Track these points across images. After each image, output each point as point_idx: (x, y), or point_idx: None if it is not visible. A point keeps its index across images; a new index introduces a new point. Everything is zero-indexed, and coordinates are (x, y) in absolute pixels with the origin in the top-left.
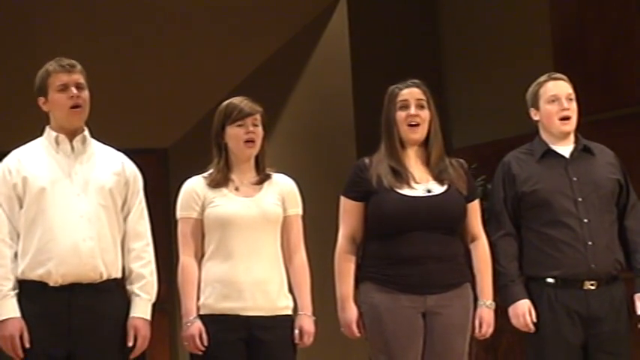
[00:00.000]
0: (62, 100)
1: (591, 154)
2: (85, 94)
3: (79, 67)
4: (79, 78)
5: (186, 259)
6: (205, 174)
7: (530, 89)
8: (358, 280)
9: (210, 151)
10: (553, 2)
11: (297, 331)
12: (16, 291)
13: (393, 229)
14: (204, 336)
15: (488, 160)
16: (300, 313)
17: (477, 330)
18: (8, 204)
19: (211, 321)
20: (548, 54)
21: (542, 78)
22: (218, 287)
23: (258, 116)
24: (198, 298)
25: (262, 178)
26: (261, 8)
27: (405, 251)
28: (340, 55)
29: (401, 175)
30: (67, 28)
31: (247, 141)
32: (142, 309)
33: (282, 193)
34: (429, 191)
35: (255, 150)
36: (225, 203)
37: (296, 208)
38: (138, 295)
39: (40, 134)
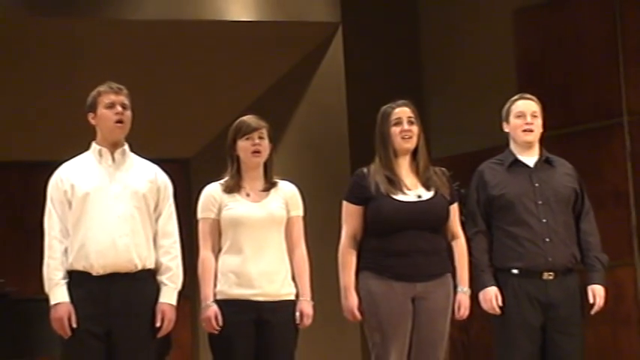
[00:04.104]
0: (108, 115)
1: (552, 166)
2: (128, 113)
3: (125, 90)
4: (124, 99)
5: (205, 253)
6: (221, 181)
7: (505, 106)
8: (358, 270)
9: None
10: (518, 38)
11: (298, 314)
12: (67, 280)
13: (388, 229)
14: (220, 317)
15: (462, 169)
16: (301, 298)
17: (456, 312)
18: (60, 207)
19: (226, 305)
20: (513, 80)
21: (515, 97)
22: (232, 277)
23: (264, 130)
24: (215, 286)
25: (269, 185)
26: (271, 40)
27: (399, 246)
28: (337, 78)
29: (394, 183)
30: (101, 53)
31: (254, 152)
32: (168, 296)
33: (285, 197)
34: (419, 197)
35: (261, 159)
36: (238, 207)
37: (297, 210)
38: (166, 285)
39: (87, 148)
